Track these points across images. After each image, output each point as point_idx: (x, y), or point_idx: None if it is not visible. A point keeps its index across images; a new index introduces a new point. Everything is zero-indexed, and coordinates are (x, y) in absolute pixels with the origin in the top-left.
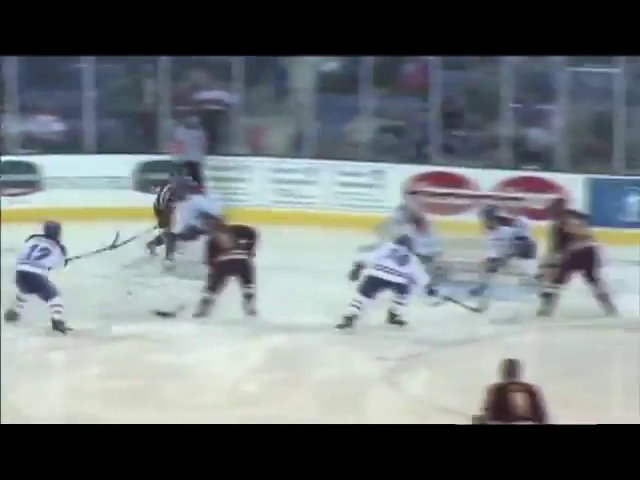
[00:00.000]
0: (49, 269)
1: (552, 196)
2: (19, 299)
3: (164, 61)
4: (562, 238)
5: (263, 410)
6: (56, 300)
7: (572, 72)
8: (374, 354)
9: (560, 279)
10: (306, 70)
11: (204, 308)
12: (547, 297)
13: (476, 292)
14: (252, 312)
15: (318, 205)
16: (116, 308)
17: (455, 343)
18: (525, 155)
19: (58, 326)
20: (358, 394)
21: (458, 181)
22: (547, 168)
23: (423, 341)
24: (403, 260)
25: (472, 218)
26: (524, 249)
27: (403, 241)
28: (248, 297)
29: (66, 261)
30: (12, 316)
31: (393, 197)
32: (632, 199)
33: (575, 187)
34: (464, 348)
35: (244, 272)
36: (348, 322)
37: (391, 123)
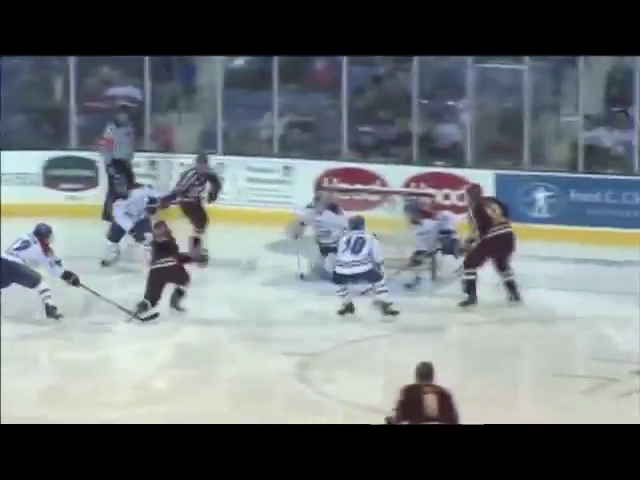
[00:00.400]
0: (23, 261)
1: (462, 190)
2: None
3: (72, 57)
4: (482, 220)
5: (172, 407)
6: (42, 286)
7: (480, 68)
8: (285, 349)
9: (475, 263)
10: (214, 67)
11: (141, 310)
12: (467, 285)
13: (411, 286)
14: (180, 308)
15: (226, 201)
16: (26, 305)
17: (367, 339)
18: (434, 151)
19: (51, 312)
20: (268, 391)
21: (368, 177)
22: (456, 164)
23: (334, 337)
24: (359, 245)
25: (382, 214)
26: (449, 243)
27: (355, 224)
28: (180, 293)
29: (74, 282)
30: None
31: (303, 193)
32: (539, 195)
33: (484, 183)
34: (377, 343)
35: (180, 275)
36: (348, 308)
37: (300, 119)
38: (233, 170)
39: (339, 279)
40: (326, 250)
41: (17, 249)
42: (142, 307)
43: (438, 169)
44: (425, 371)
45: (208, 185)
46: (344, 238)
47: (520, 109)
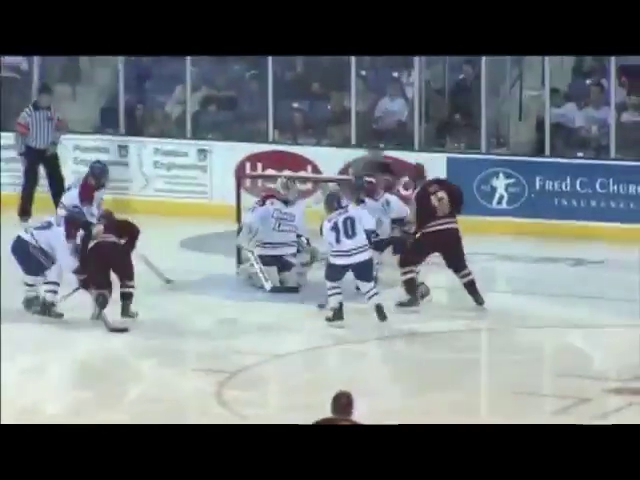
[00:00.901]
0: (36, 241)
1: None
2: (26, 283)
3: None
4: (424, 210)
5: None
6: (50, 276)
7: None
8: (201, 366)
9: (411, 261)
10: None
11: (101, 305)
12: (407, 285)
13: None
14: (131, 314)
15: (131, 191)
16: None
17: (290, 353)
18: (376, 132)
19: (47, 309)
20: (181, 413)
21: (298, 162)
22: (402, 147)
23: (256, 352)
24: (351, 226)
25: (315, 206)
26: (398, 242)
27: (332, 202)
28: (126, 297)
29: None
30: (28, 303)
31: (221, 181)
32: (499, 182)
33: (434, 168)
34: (302, 358)
35: (123, 267)
36: (338, 314)
37: (218, 94)
38: (138, 154)
39: (334, 273)
40: (283, 262)
41: (36, 228)
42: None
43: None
44: (343, 403)
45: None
46: (328, 225)
47: (476, 82)
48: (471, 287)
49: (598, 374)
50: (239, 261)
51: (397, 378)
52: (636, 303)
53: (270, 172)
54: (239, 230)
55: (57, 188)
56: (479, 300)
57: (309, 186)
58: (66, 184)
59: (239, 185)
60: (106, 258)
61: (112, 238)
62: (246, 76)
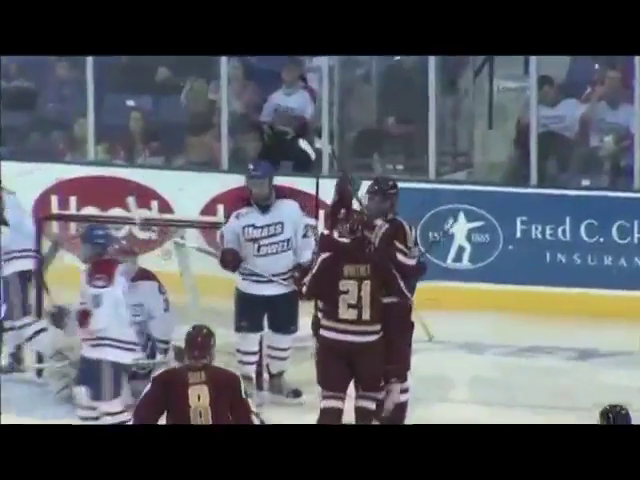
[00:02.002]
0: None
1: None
2: None
3: None
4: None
5: None
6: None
7: None
8: None
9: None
10: None
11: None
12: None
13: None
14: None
15: None
16: None
17: None
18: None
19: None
20: None
21: (137, 194)
22: (301, 169)
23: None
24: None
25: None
26: None
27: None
28: None
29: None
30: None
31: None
32: (457, 227)
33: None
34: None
35: None
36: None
37: (8, 85)
38: None
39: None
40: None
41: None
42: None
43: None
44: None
45: None
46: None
47: (421, 68)
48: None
49: None
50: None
51: None
52: None
53: (90, 211)
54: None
55: None
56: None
57: (154, 234)
58: None
59: (40, 230)
60: None
61: None
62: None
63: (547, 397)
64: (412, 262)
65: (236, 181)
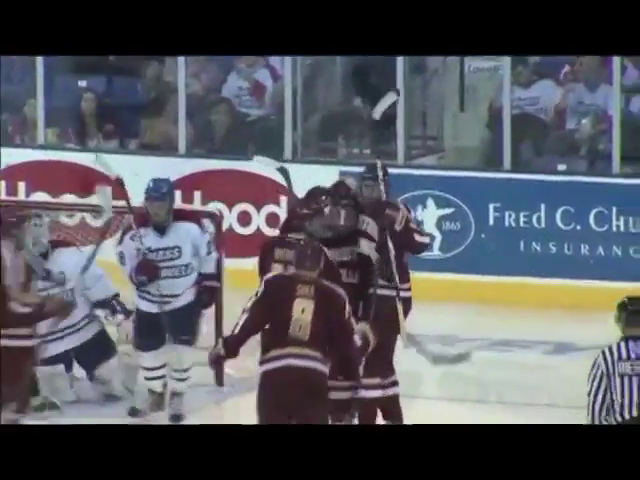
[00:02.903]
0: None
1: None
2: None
3: None
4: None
5: None
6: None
7: None
8: None
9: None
10: None
11: None
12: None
13: None
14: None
15: None
16: None
17: None
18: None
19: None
20: None
21: (91, 181)
22: (268, 151)
23: None
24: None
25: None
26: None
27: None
28: None
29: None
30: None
31: None
32: (426, 213)
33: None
34: None
35: None
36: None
37: None
38: None
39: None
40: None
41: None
42: None
43: (209, 165)
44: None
45: None
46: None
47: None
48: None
49: None
50: None
51: None
52: None
53: (40, 197)
54: None
55: None
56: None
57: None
58: None
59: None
60: None
61: None
62: None
63: (522, 393)
64: (427, 240)
65: (195, 166)
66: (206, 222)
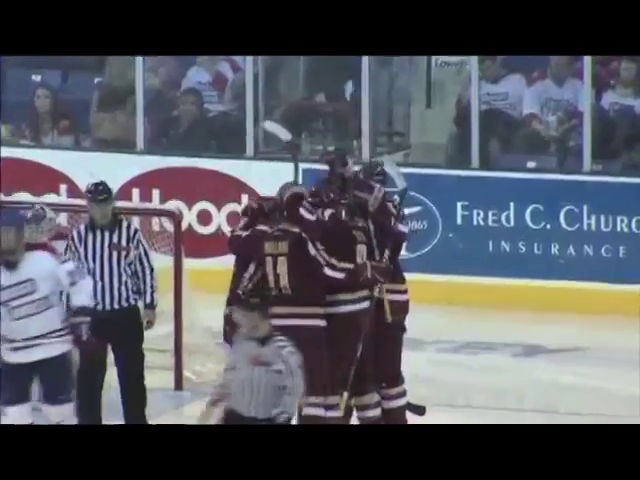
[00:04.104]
0: None
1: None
2: None
3: None
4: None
5: None
6: None
7: None
8: None
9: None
10: None
11: None
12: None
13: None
14: None
15: None
16: None
17: None
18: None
19: None
20: None
21: (45, 178)
22: (233, 153)
23: None
24: None
25: None
26: None
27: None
28: None
29: None
30: None
31: None
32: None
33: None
34: None
35: None
36: None
37: None
38: None
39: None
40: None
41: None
42: None
43: (168, 163)
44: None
45: None
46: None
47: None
48: None
49: None
50: None
51: None
52: None
53: None
54: None
55: None
56: None
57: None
58: None
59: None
60: None
61: None
62: None
63: (490, 397)
64: (405, 229)
65: (153, 163)
66: (63, 251)
